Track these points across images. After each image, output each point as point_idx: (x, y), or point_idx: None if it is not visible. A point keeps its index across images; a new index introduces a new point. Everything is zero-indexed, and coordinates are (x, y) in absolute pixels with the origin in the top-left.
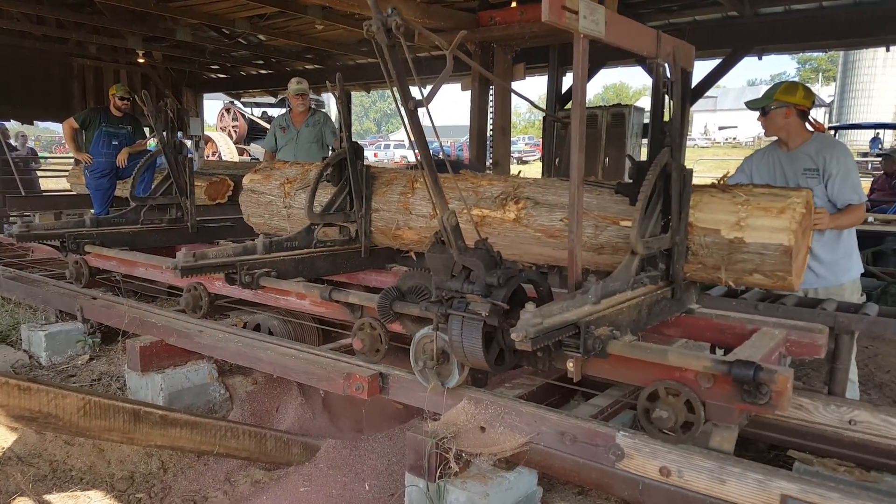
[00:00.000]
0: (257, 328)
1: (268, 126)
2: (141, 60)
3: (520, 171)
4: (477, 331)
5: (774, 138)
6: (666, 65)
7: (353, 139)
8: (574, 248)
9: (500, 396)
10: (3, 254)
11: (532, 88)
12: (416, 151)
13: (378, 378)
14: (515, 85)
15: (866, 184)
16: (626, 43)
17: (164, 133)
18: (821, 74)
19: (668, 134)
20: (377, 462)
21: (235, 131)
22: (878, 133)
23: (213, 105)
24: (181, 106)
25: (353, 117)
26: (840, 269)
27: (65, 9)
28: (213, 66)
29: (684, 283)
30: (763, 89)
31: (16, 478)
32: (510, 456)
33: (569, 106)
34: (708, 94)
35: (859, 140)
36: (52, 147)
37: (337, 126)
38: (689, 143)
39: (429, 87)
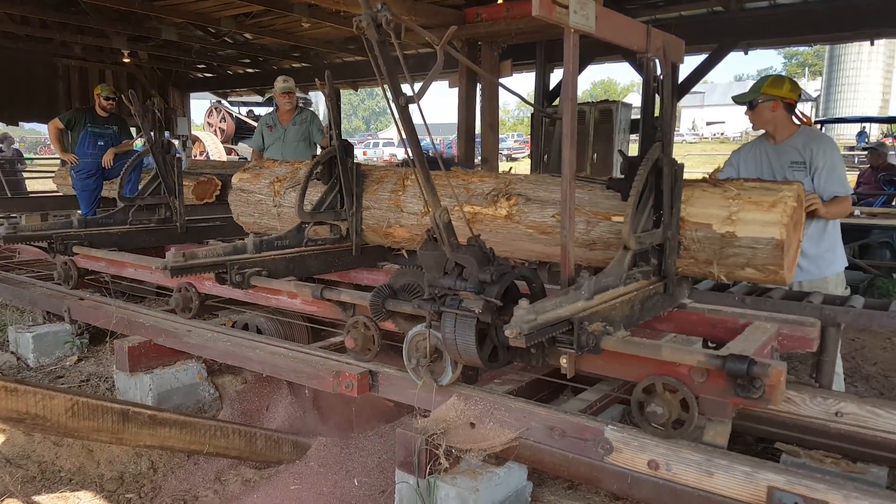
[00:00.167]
0: (245, 328)
1: (255, 125)
2: (126, 60)
3: (511, 168)
4: (470, 328)
5: (762, 132)
6: (656, 60)
7: (342, 137)
8: (567, 243)
9: (490, 392)
10: None
11: (519, 85)
12: (408, 148)
13: (368, 375)
14: (502, 82)
15: (853, 177)
16: (617, 38)
17: (152, 133)
18: (807, 69)
19: (660, 129)
20: (368, 459)
21: (223, 130)
22: (864, 127)
23: (199, 104)
24: (168, 105)
25: (341, 115)
26: (824, 263)
27: (48, 9)
28: (199, 66)
29: (676, 278)
30: (750, 84)
31: (4, 479)
32: (500, 451)
33: (556, 102)
34: (695, 89)
35: (846, 134)
36: (37, 148)
37: (325, 124)
38: (677, 138)
39: (418, 85)
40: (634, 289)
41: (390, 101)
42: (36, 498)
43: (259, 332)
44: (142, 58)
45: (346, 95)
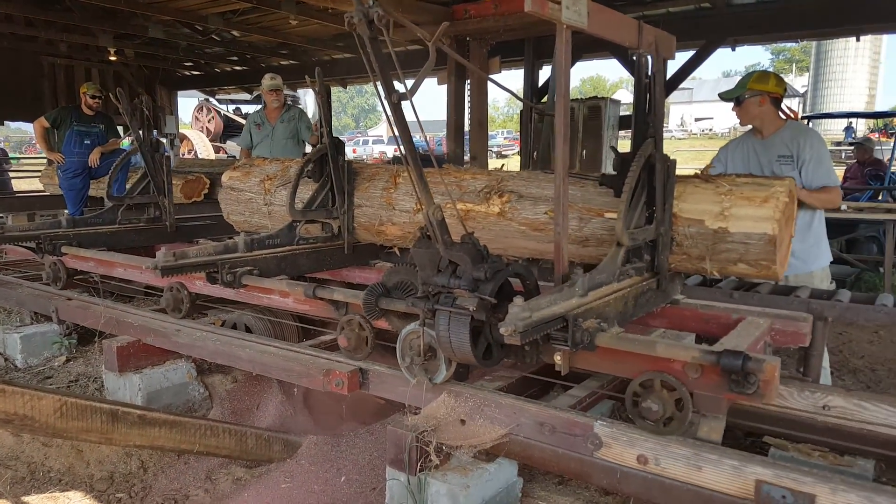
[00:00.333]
0: (234, 327)
1: (243, 123)
2: (113, 58)
3: (503, 165)
4: (465, 326)
5: (749, 128)
6: (648, 56)
7: (333, 135)
8: (560, 240)
9: (480, 389)
10: None
11: (507, 82)
12: (401, 145)
13: (358, 374)
14: (494, 79)
15: (840, 171)
16: (609, 34)
17: (141, 131)
18: (794, 65)
19: (652, 125)
20: (358, 457)
21: (211, 129)
22: (850, 122)
23: (187, 102)
24: (156, 103)
25: (330, 113)
26: (810, 257)
27: (33, 7)
28: (186, 63)
29: (669, 274)
30: (737, 80)
31: None
32: (490, 447)
33: (545, 99)
34: (684, 85)
35: (833, 129)
36: (22, 147)
37: (316, 121)
38: (665, 134)
39: (408, 82)
40: (628, 285)
41: (382, 99)
42: (25, 499)
43: (248, 330)
44: (128, 56)
45: (336, 93)
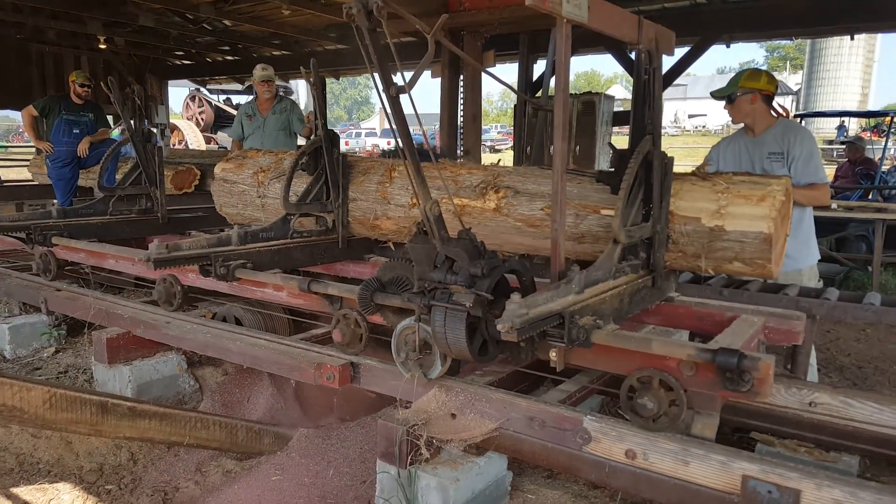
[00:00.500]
0: (223, 320)
1: (235, 113)
2: (102, 46)
3: (499, 160)
4: (461, 322)
5: (741, 125)
6: (648, 52)
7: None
8: (557, 237)
9: (471, 384)
10: None
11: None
12: (398, 139)
13: (349, 367)
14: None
15: (830, 170)
16: (609, 29)
17: (132, 121)
18: (788, 62)
19: (651, 121)
20: (349, 450)
21: (202, 119)
22: (843, 121)
23: (177, 92)
24: (148, 93)
25: (325, 105)
26: (799, 256)
27: None
28: (177, 53)
29: (664, 272)
30: (729, 78)
31: None
32: (480, 441)
33: (539, 94)
34: (678, 82)
35: (825, 128)
36: (9, 136)
37: (309, 113)
38: None
39: (406, 74)
40: (624, 282)
41: (380, 91)
42: (14, 490)
43: (238, 323)
44: (118, 44)
45: (328, 84)
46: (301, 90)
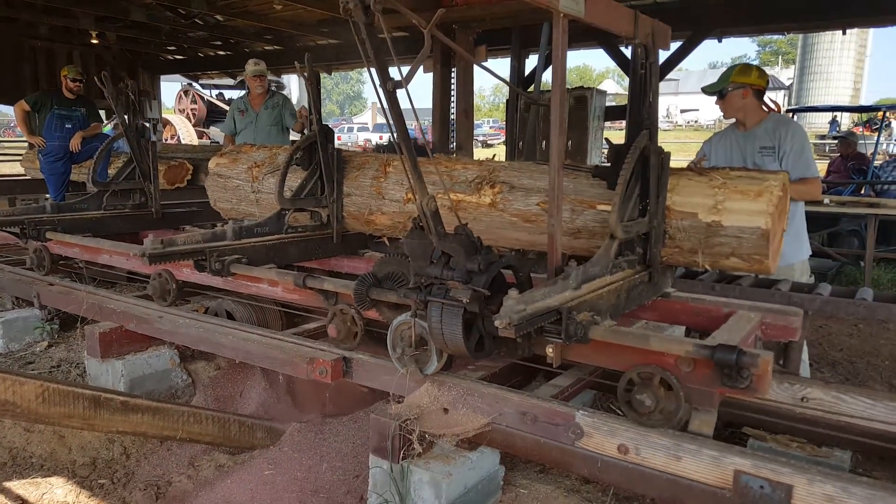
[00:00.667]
0: (215, 314)
1: (227, 108)
2: (94, 41)
3: (494, 155)
4: (457, 317)
5: (733, 121)
6: (644, 46)
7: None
8: (554, 233)
9: (463, 378)
10: None
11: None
12: (395, 134)
13: (342, 362)
14: (477, 67)
15: (823, 165)
16: (605, 23)
17: (126, 116)
18: (780, 57)
19: (647, 116)
20: (342, 445)
21: (194, 114)
22: (835, 116)
23: (169, 87)
24: (142, 88)
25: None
26: (790, 251)
27: None
28: (169, 48)
29: (661, 267)
30: (720, 73)
31: None
32: (473, 436)
33: (531, 89)
34: (670, 77)
35: (817, 123)
36: (1, 131)
37: (301, 108)
38: None
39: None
40: (620, 278)
41: (377, 86)
42: (7, 484)
43: (230, 317)
44: (110, 39)
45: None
46: (293, 85)
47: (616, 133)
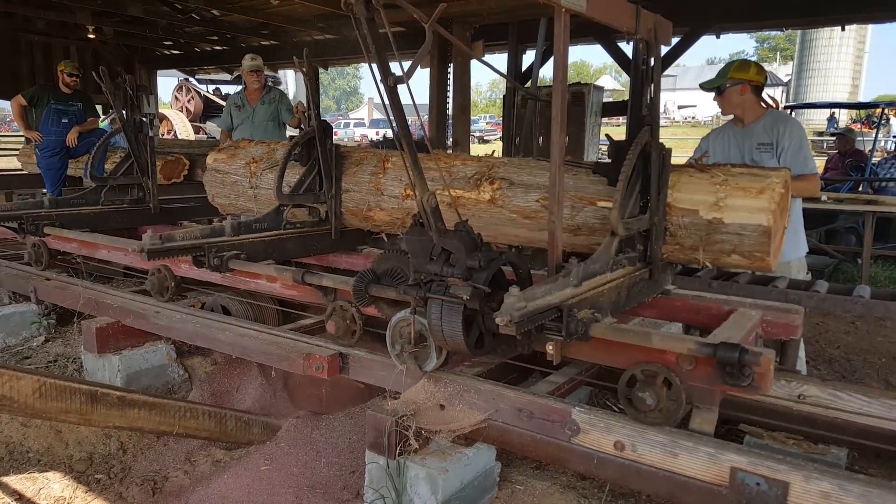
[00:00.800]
0: (211, 310)
1: (224, 103)
2: (91, 36)
3: (493, 151)
4: (457, 314)
5: (731, 117)
6: (646, 42)
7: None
8: (555, 229)
9: (460, 375)
10: None
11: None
12: (396, 129)
13: (338, 358)
14: (474, 63)
15: (821, 162)
16: (607, 18)
17: (124, 111)
18: (778, 53)
19: (649, 112)
20: (338, 440)
21: (191, 109)
22: (833, 112)
23: (166, 82)
24: (140, 83)
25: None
26: (787, 248)
27: None
28: (166, 43)
29: (661, 265)
30: (718, 69)
31: None
32: (469, 432)
33: (528, 84)
34: (667, 72)
35: (815, 119)
36: None
37: (298, 103)
38: None
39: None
40: (621, 275)
41: (378, 81)
42: (4, 479)
43: (227, 313)
44: (107, 34)
45: None
46: (289, 80)
47: (613, 129)
